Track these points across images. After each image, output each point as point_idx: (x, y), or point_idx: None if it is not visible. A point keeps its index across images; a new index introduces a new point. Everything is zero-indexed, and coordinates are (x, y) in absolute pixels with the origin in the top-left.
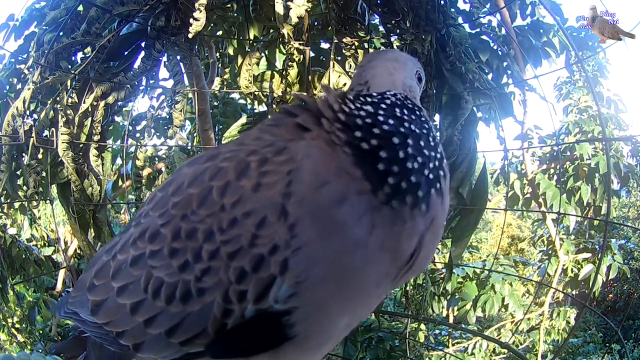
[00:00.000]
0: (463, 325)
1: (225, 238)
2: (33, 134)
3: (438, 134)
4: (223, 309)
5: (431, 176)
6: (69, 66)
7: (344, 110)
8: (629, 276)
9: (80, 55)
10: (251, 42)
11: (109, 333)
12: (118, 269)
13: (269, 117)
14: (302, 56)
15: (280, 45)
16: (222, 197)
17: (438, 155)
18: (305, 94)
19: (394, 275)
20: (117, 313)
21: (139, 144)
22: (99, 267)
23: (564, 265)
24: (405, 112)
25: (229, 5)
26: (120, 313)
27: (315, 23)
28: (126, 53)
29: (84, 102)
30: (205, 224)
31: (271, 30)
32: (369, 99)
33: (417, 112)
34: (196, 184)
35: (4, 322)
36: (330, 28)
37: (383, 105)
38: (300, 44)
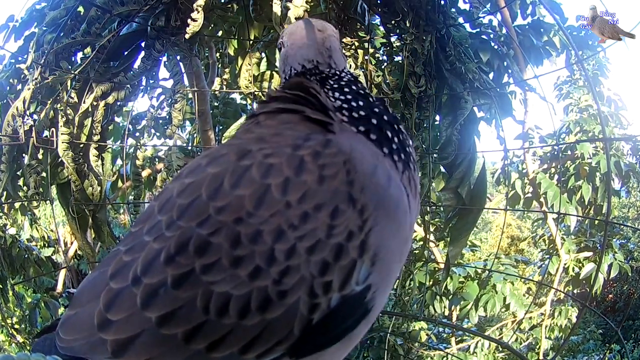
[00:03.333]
0: (463, 325)
1: (300, 234)
2: (33, 134)
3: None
4: (310, 305)
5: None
6: (69, 66)
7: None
8: (629, 274)
9: (80, 55)
10: (251, 42)
11: None
12: (152, 296)
13: (260, 111)
14: None
15: None
16: (285, 194)
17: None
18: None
19: None
20: (161, 347)
21: (138, 143)
22: (109, 298)
23: (565, 264)
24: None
25: (229, 5)
26: (167, 346)
27: None
28: (126, 53)
29: (84, 102)
30: (271, 224)
31: (271, 30)
32: (335, 84)
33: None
34: (245, 185)
35: (2, 323)
36: None
37: (352, 94)
38: None
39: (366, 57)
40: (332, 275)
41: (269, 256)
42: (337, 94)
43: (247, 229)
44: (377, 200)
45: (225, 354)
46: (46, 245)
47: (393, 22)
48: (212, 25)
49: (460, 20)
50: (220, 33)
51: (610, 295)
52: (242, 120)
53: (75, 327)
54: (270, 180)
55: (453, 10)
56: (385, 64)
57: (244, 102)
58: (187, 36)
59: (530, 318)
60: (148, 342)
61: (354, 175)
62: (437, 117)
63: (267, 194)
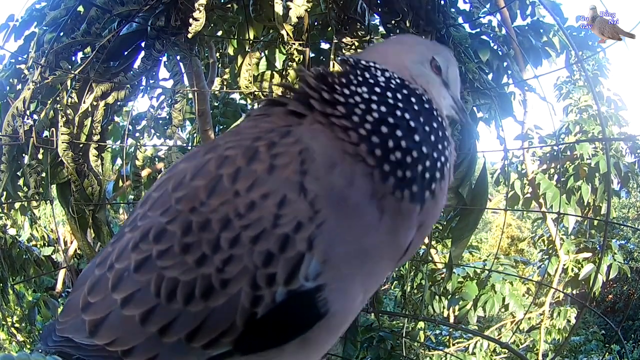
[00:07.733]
0: (462, 325)
1: (245, 223)
2: (33, 134)
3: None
4: (252, 297)
5: (427, 175)
6: (69, 66)
7: (336, 91)
8: (629, 275)
9: (80, 55)
10: (251, 42)
11: (112, 354)
12: (119, 279)
13: (255, 108)
14: (302, 56)
15: (280, 45)
16: (234, 183)
17: (437, 154)
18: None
19: (396, 261)
20: (124, 328)
21: (138, 143)
22: (91, 283)
23: (564, 264)
24: (400, 97)
25: (229, 5)
26: (128, 327)
27: (315, 23)
28: (126, 53)
29: (84, 102)
30: (220, 213)
31: (271, 30)
32: (362, 80)
33: (417, 99)
34: (201, 176)
35: (3, 322)
36: (330, 28)
37: (377, 89)
38: (300, 44)
39: None
40: (277, 267)
41: (214, 244)
42: (354, 88)
43: (199, 217)
44: (330, 195)
45: (174, 339)
46: (46, 245)
47: (393, 22)
48: (212, 25)
49: (460, 20)
50: (220, 33)
51: (610, 296)
52: (242, 120)
53: (67, 311)
54: (224, 170)
55: (453, 10)
56: None
57: (244, 102)
58: (189, 36)
59: (530, 318)
60: (114, 322)
61: (310, 164)
62: None
63: (219, 183)
